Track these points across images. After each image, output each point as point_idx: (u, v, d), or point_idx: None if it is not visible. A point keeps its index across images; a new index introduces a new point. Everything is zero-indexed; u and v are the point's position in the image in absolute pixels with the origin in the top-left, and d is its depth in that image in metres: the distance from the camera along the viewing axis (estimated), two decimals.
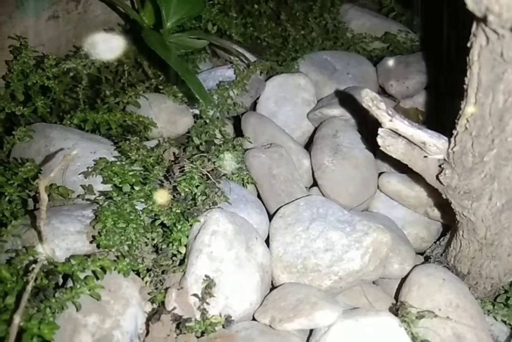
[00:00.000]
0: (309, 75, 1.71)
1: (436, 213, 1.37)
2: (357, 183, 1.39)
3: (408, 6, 2.06)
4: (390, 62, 1.79)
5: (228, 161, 1.33)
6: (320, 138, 1.49)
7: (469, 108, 0.92)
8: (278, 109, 1.64)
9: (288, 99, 1.64)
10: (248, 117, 1.55)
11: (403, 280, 1.20)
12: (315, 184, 1.46)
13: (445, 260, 1.25)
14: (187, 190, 1.19)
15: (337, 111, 1.54)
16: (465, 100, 0.93)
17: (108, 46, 1.52)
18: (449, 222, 1.34)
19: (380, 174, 1.44)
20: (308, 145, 1.55)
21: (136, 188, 1.16)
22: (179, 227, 1.11)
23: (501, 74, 0.83)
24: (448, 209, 1.19)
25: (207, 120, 1.50)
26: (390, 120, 1.07)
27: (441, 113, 1.55)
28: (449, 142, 1.02)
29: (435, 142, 1.05)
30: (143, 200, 1.15)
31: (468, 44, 0.86)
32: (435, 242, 1.37)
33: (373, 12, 2.09)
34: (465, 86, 0.91)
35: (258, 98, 1.66)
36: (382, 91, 1.79)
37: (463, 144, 0.98)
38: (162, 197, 1.16)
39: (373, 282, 1.27)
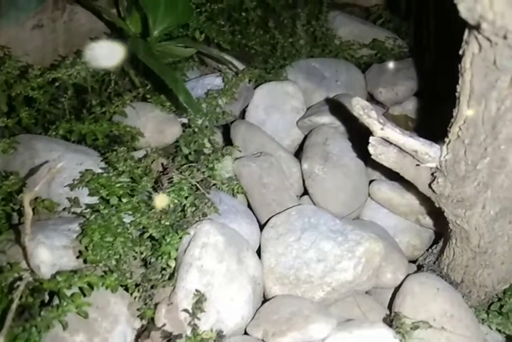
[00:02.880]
0: (298, 82, 1.69)
1: (427, 220, 1.36)
2: (348, 191, 1.38)
3: (396, 13, 2.07)
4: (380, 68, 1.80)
5: (219, 171, 1.31)
6: (310, 147, 1.47)
7: (461, 116, 0.91)
8: (267, 117, 1.62)
9: (277, 107, 1.63)
10: (237, 125, 1.53)
11: (397, 289, 1.19)
12: (306, 192, 1.44)
13: (438, 269, 1.23)
14: (176, 201, 1.17)
15: (327, 119, 1.52)
16: (457, 108, 0.92)
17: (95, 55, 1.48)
18: (441, 230, 1.33)
19: (371, 182, 1.43)
20: (298, 153, 1.53)
21: (124, 200, 1.14)
22: (168, 239, 1.08)
23: (494, 82, 0.82)
24: (440, 216, 1.18)
25: (196, 129, 1.47)
26: (382, 129, 1.05)
27: (431, 120, 1.54)
28: (441, 150, 1.01)
29: (427, 150, 1.04)
30: (131, 212, 1.13)
31: (460, 52, 0.84)
32: (427, 250, 1.36)
33: (360, 19, 2.09)
34: (457, 94, 0.90)
35: (247, 107, 1.65)
36: (371, 98, 1.79)
37: (456, 153, 0.97)
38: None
39: (366, 292, 1.26)
